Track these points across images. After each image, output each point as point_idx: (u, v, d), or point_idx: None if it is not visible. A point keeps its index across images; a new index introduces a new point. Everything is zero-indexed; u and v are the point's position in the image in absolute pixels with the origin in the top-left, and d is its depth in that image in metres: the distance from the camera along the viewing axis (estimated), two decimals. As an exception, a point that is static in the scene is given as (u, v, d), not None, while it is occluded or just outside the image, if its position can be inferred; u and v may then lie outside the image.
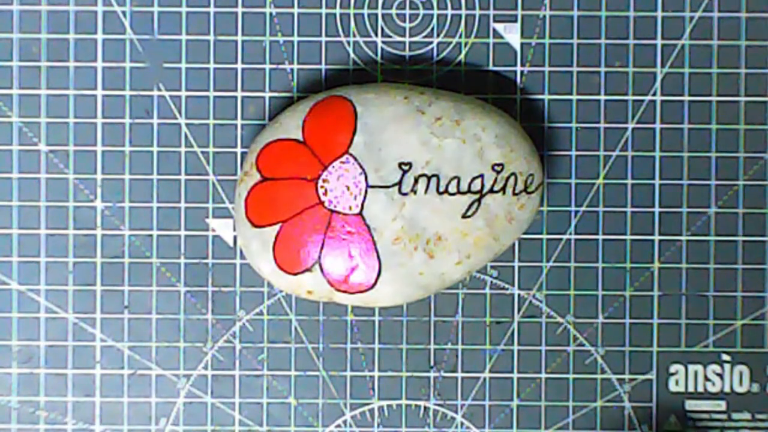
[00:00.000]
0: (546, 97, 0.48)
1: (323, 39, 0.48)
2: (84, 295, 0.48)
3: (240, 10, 0.48)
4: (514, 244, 0.48)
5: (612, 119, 0.48)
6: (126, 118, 0.48)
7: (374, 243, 0.44)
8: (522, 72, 0.48)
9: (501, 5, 0.48)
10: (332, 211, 0.44)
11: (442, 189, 0.44)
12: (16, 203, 0.48)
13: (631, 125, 0.48)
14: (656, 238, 0.48)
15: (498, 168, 0.44)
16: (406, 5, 0.48)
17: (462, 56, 0.48)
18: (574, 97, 0.48)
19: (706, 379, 0.48)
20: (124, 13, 0.48)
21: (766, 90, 0.48)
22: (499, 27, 0.48)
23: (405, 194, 0.44)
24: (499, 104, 0.47)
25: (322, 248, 0.44)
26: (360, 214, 0.44)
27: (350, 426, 0.48)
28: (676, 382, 0.48)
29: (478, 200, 0.44)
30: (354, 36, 0.48)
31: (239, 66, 0.48)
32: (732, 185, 0.48)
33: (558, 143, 0.48)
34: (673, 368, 0.48)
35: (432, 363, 0.48)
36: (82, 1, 0.48)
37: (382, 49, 0.48)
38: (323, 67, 0.48)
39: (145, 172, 0.48)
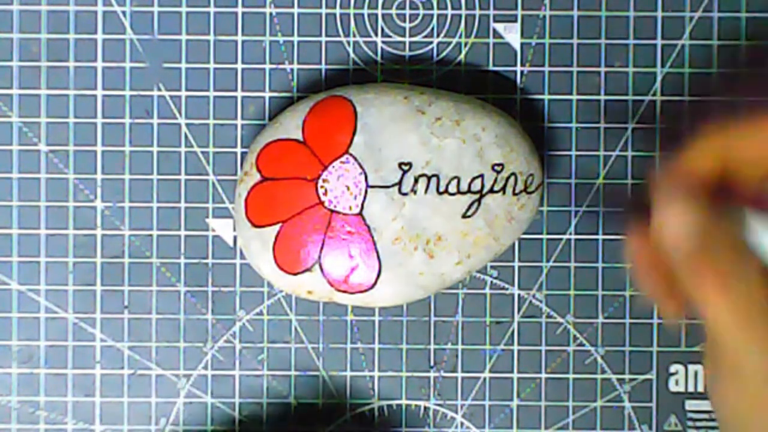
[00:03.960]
0: (546, 97, 0.48)
1: (323, 39, 0.48)
2: (84, 295, 0.48)
3: (240, 10, 0.48)
4: (514, 244, 0.48)
5: (612, 119, 0.48)
6: (126, 118, 0.48)
7: (374, 243, 0.44)
8: (522, 72, 0.48)
9: (501, 5, 0.48)
10: (332, 211, 0.44)
11: (442, 189, 0.44)
12: (16, 203, 0.48)
13: (631, 125, 0.48)
14: (656, 238, 0.48)
15: (498, 168, 0.44)
16: (406, 5, 0.48)
17: (462, 56, 0.48)
18: (574, 97, 0.48)
19: (706, 379, 0.48)
20: (124, 13, 0.48)
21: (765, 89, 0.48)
22: (499, 27, 0.48)
23: (405, 194, 0.44)
24: (499, 104, 0.47)
25: (322, 248, 0.44)
26: (360, 214, 0.44)
27: (350, 426, 0.48)
28: (676, 382, 0.48)
29: (478, 200, 0.44)
30: (354, 36, 0.48)
31: (239, 66, 0.48)
32: (732, 185, 0.48)
33: (558, 143, 0.48)
34: (673, 368, 0.48)
35: (432, 363, 0.48)
36: (82, 1, 0.48)
37: (382, 49, 0.48)
38: (323, 67, 0.48)
39: (145, 172, 0.48)
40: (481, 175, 0.44)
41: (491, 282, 0.48)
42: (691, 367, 0.48)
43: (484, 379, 0.48)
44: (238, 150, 0.48)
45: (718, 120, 0.37)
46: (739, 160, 0.36)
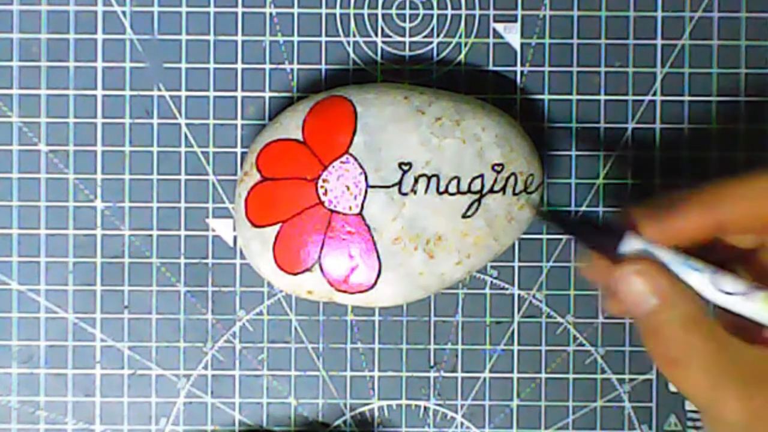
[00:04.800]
0: (546, 97, 0.48)
1: (323, 39, 0.48)
2: (84, 295, 0.48)
3: (240, 10, 0.48)
4: (514, 244, 0.48)
5: (612, 119, 0.48)
6: (126, 118, 0.48)
7: (374, 243, 0.44)
8: (522, 72, 0.48)
9: (501, 5, 0.48)
10: (332, 211, 0.44)
11: (442, 189, 0.44)
12: (16, 203, 0.48)
13: (631, 125, 0.48)
14: (656, 238, 0.48)
15: (498, 168, 0.44)
16: (406, 5, 0.48)
17: (462, 56, 0.48)
18: (574, 97, 0.48)
19: (706, 379, 0.48)
20: (124, 13, 0.48)
21: (766, 90, 0.48)
22: (499, 27, 0.48)
23: (405, 194, 0.44)
24: (499, 104, 0.47)
25: (322, 248, 0.44)
26: (360, 214, 0.44)
27: (350, 426, 0.48)
28: (676, 382, 0.48)
29: (478, 200, 0.44)
30: (354, 36, 0.48)
31: (239, 66, 0.48)
32: (732, 185, 0.48)
33: (558, 143, 0.48)
34: (673, 368, 0.48)
35: (432, 363, 0.48)
36: (82, 1, 0.48)
37: (382, 49, 0.48)
38: (323, 67, 0.48)
39: (145, 172, 0.48)
40: (481, 175, 0.44)
41: (491, 282, 0.48)
42: (691, 367, 0.48)
43: (484, 379, 0.48)
44: (238, 150, 0.48)
45: (712, 179, 0.37)
46: (728, 220, 0.36)
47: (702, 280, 0.35)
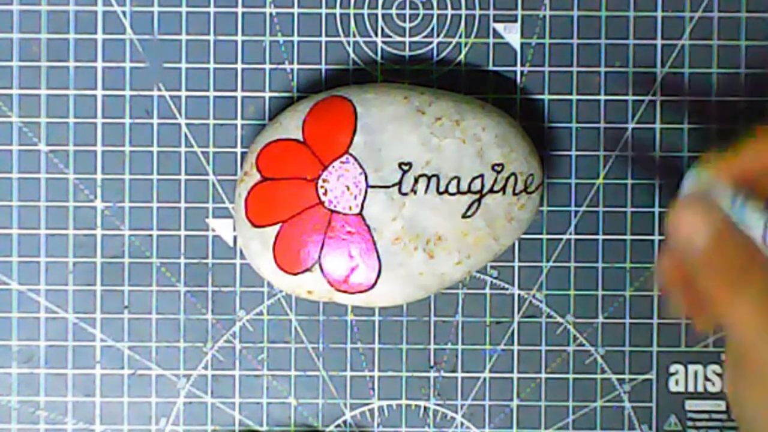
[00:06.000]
0: (546, 97, 0.48)
1: (323, 39, 0.48)
2: (84, 295, 0.48)
3: (240, 10, 0.48)
4: (514, 244, 0.48)
5: (612, 119, 0.48)
6: (126, 118, 0.48)
7: (374, 243, 0.44)
8: (522, 72, 0.48)
9: (501, 5, 0.48)
10: (332, 211, 0.44)
11: (442, 189, 0.44)
12: (16, 203, 0.48)
13: (631, 125, 0.48)
14: (656, 238, 0.48)
15: (498, 168, 0.44)
16: (406, 5, 0.48)
17: (462, 56, 0.48)
18: (574, 97, 0.48)
19: (706, 379, 0.48)
20: (124, 13, 0.48)
21: (766, 90, 0.48)
22: (499, 27, 0.48)
23: (405, 194, 0.44)
24: (499, 104, 0.47)
25: (322, 248, 0.44)
26: (360, 214, 0.44)
27: (350, 426, 0.48)
28: (676, 382, 0.48)
29: (478, 200, 0.44)
30: (354, 36, 0.48)
31: (239, 66, 0.48)
32: (732, 185, 0.48)
33: (558, 143, 0.48)
34: (673, 368, 0.48)
35: (432, 363, 0.48)
36: (82, 1, 0.48)
37: (382, 49, 0.48)
38: (323, 67, 0.48)
39: (145, 172, 0.48)
40: (481, 175, 0.44)
41: (491, 282, 0.48)
42: (691, 367, 0.48)
43: (484, 379, 0.48)
44: (238, 150, 0.48)
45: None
46: None
47: (760, 221, 0.36)
